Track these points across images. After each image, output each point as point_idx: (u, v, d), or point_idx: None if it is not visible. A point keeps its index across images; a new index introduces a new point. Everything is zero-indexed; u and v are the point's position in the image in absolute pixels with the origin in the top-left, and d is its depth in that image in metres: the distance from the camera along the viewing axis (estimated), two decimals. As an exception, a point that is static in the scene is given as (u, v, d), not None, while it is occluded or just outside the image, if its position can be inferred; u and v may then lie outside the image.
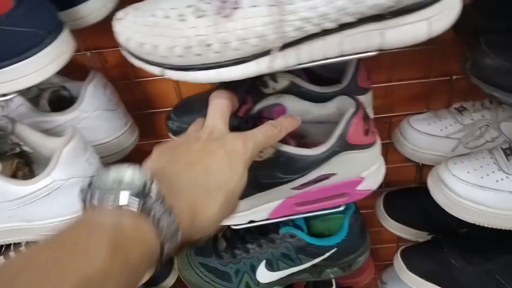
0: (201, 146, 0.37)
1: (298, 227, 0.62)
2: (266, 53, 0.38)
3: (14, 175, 0.53)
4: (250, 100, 0.54)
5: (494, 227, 0.57)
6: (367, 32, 0.39)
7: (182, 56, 0.39)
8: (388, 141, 0.76)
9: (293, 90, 0.54)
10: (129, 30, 0.40)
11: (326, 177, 0.51)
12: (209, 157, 0.36)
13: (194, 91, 0.66)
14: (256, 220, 0.55)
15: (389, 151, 0.80)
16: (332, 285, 0.68)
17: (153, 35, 0.39)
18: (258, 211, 0.54)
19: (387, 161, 0.82)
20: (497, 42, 0.46)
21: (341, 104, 0.52)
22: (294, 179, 0.51)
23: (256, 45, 0.37)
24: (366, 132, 0.50)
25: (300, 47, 0.39)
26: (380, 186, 0.86)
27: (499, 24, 0.50)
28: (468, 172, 0.58)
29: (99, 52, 0.65)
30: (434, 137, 0.65)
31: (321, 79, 0.59)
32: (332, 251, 0.61)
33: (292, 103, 0.53)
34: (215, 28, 0.37)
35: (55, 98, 0.60)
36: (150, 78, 0.69)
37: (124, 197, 0.27)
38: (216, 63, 0.39)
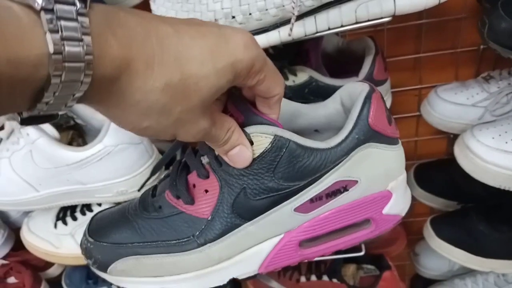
0: (195, 20, 0.28)
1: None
2: (286, 22, 0.42)
3: (69, 145, 0.60)
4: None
5: (519, 190, 0.58)
6: (380, -1, 0.42)
7: (211, 28, 0.43)
8: (418, 113, 0.77)
9: (311, 84, 0.55)
10: (164, 7, 0.45)
11: (344, 187, 0.35)
12: (194, 27, 0.26)
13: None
14: (241, 276, 0.37)
15: (420, 124, 0.82)
16: (361, 250, 0.71)
17: (184, 10, 0.44)
18: (243, 260, 0.37)
19: (418, 134, 0.85)
20: (514, 6, 0.48)
21: (347, 96, 0.38)
22: (298, 190, 0.34)
23: (276, 15, 0.41)
24: (389, 121, 0.37)
25: (317, 15, 0.43)
26: (412, 159, 0.89)
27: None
28: (493, 138, 0.59)
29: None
30: (461, 106, 0.67)
31: (340, 70, 0.60)
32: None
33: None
34: (238, 1, 0.41)
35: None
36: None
37: None
38: (241, 33, 0.43)
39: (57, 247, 0.72)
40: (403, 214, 0.40)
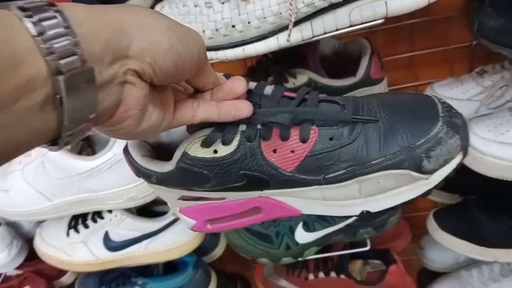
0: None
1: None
2: (283, 28, 0.44)
3: (79, 155, 0.62)
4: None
5: (517, 180, 0.60)
6: (373, 2, 0.44)
7: (212, 38, 0.45)
8: (415, 110, 0.79)
9: (311, 85, 0.58)
10: (167, 19, 0.47)
11: None
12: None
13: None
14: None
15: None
16: (367, 245, 0.73)
17: (186, 22, 0.46)
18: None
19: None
20: (500, 3, 0.50)
21: None
22: None
23: (273, 22, 0.44)
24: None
25: (313, 21, 0.45)
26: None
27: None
28: (489, 130, 0.61)
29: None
30: (457, 101, 0.68)
31: (338, 71, 0.62)
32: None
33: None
34: (238, 10, 0.43)
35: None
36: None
37: None
38: (241, 41, 0.45)
39: (70, 255, 0.74)
40: None
